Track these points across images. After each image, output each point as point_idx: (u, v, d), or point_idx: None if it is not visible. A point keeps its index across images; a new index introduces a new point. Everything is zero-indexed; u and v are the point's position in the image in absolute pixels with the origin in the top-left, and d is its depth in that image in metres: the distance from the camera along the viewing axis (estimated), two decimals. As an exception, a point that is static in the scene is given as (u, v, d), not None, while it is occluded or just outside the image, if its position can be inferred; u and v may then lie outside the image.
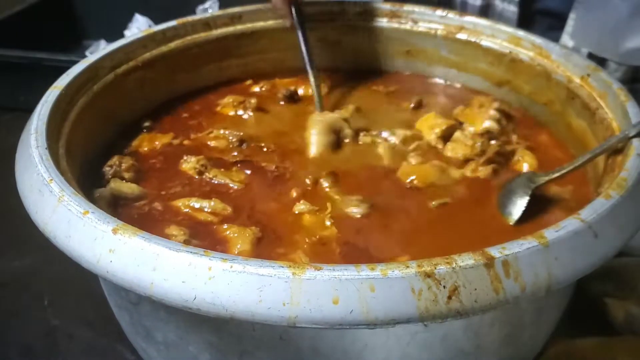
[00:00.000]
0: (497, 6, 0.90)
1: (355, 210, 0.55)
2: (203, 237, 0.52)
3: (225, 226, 0.52)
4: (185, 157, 0.61)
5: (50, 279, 0.67)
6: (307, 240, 0.51)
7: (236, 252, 0.49)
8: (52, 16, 1.21)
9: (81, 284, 0.59)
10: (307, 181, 0.58)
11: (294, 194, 0.57)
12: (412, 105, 0.72)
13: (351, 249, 0.51)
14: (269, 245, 0.51)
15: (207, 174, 0.59)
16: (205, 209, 0.55)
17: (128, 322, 0.50)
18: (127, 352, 0.58)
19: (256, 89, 0.76)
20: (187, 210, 0.55)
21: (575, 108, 0.63)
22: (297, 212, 0.54)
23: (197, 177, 0.59)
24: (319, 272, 0.36)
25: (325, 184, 0.58)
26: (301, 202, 0.55)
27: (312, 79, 0.72)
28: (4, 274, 0.69)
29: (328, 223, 0.53)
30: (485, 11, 0.91)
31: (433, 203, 0.56)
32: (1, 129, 0.96)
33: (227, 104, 0.72)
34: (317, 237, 0.52)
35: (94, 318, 0.62)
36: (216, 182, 0.59)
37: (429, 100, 0.74)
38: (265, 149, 0.64)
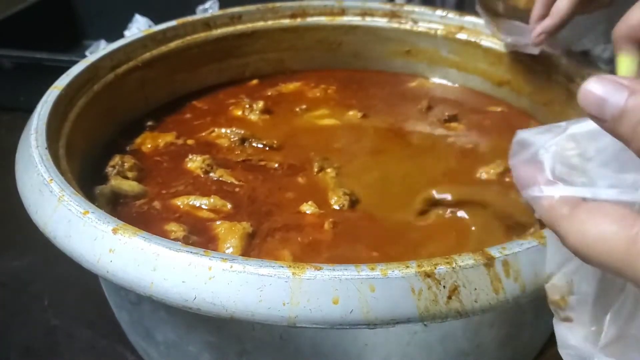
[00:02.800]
0: None
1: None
2: (202, 233, 0.52)
3: (218, 222, 0.53)
4: (190, 156, 0.61)
5: (50, 279, 0.67)
6: (299, 240, 0.51)
7: (226, 248, 0.50)
8: (52, 16, 1.21)
9: (81, 284, 0.59)
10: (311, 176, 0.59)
11: (294, 194, 0.57)
12: (423, 108, 0.72)
13: (341, 252, 0.51)
14: (262, 242, 0.51)
15: (212, 173, 0.60)
16: (204, 206, 0.55)
17: (128, 322, 0.50)
18: (127, 352, 0.58)
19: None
20: (186, 208, 0.55)
21: (576, 108, 0.63)
22: (299, 211, 0.54)
23: (203, 176, 0.59)
24: (319, 272, 0.36)
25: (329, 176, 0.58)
26: (307, 203, 0.55)
27: None
28: (4, 274, 0.69)
29: (326, 225, 0.53)
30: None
31: None
32: (1, 129, 0.96)
33: (232, 104, 0.72)
34: (311, 238, 0.52)
35: (94, 318, 0.62)
36: (222, 180, 0.59)
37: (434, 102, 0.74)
38: (267, 148, 0.64)
